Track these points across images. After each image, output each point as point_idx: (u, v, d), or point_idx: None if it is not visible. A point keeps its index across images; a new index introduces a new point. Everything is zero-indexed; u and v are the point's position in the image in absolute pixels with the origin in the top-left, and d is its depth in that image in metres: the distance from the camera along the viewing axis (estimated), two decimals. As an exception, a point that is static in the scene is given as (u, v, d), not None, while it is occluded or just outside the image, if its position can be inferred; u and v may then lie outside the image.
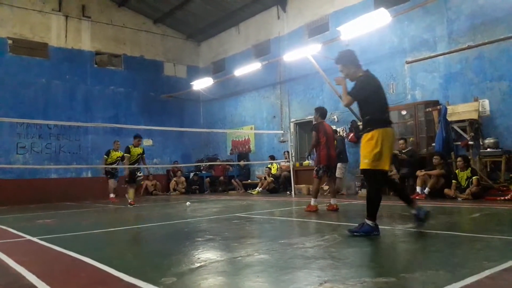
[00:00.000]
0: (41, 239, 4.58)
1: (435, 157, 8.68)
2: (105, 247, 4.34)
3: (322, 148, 6.67)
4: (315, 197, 6.70)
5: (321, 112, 6.98)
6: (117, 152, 11.21)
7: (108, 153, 11.20)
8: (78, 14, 14.59)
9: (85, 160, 14.08)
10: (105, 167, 11.15)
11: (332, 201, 6.74)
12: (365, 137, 4.01)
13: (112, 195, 11.06)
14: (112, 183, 11.16)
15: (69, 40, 14.32)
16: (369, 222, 3.93)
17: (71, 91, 14.20)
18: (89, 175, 14.29)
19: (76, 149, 14.08)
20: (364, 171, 4.05)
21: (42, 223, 6.73)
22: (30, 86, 13.35)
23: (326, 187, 11.28)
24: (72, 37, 14.38)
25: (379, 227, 4.02)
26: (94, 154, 14.23)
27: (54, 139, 13.67)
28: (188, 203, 8.70)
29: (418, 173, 8.73)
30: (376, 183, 4.04)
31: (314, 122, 7.17)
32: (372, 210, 3.95)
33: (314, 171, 6.77)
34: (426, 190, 8.44)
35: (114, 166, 11.06)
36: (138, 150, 9.97)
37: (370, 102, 4.05)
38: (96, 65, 14.93)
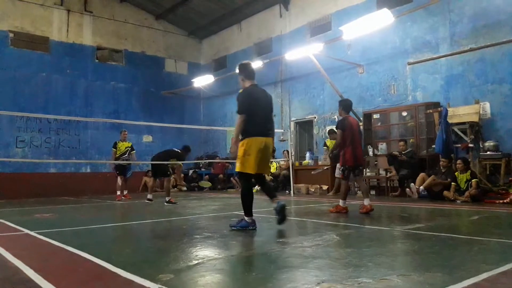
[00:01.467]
0: (39, 233, 4.57)
1: (443, 159, 8.61)
2: (103, 242, 4.33)
3: (347, 147, 6.08)
4: (344, 198, 6.18)
5: (344, 105, 6.31)
6: (125, 143, 10.47)
7: (115, 145, 10.40)
8: (80, 8, 14.57)
9: (84, 155, 14.06)
10: (114, 162, 10.30)
11: (366, 201, 6.02)
12: (240, 144, 4.46)
13: (119, 193, 10.24)
14: (120, 180, 10.31)
15: (71, 34, 14.29)
16: (246, 218, 4.49)
17: (72, 86, 14.18)
18: (88, 170, 14.29)
19: (76, 144, 14.07)
20: (236, 173, 4.66)
21: (41, 217, 6.73)
22: (30, 80, 13.33)
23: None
24: (73, 31, 14.36)
25: (378, 227, 4.02)
26: (93, 149, 14.24)
27: (53, 134, 13.65)
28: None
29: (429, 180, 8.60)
30: (245, 183, 4.60)
31: (338, 117, 6.61)
32: (246, 207, 4.51)
33: (340, 171, 6.25)
34: (421, 188, 8.43)
35: (125, 162, 10.29)
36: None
37: (249, 114, 4.39)
38: (97, 60, 14.91)
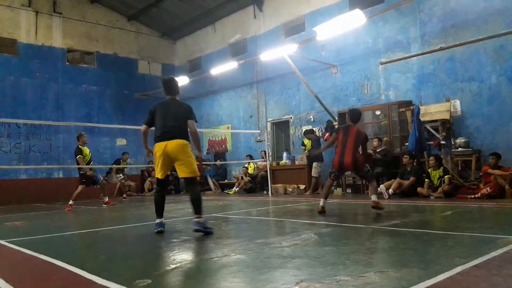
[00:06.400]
0: (9, 242, 4.42)
1: (404, 156, 8.84)
2: (77, 249, 4.23)
3: (336, 152, 6.26)
4: (324, 197, 6.14)
5: (351, 115, 6.39)
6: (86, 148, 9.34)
7: (80, 152, 9.15)
8: (49, 10, 14.19)
9: (57, 160, 13.70)
10: (86, 167, 9.13)
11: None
12: None
13: (71, 202, 8.89)
14: (81, 188, 9.10)
15: (40, 36, 13.91)
16: (157, 219, 4.78)
17: (42, 89, 13.79)
18: (61, 175, 13.93)
19: (47, 149, 13.70)
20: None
21: (11, 225, 6.51)
22: (-3, 84, 12.93)
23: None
24: (42, 33, 13.97)
25: (355, 225, 4.06)
26: (66, 154, 13.87)
27: (23, 139, 13.25)
28: None
29: (395, 184, 8.69)
30: (156, 186, 4.98)
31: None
32: (155, 209, 4.82)
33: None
34: (390, 191, 8.56)
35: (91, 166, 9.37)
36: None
37: (154, 123, 4.82)
38: (68, 63, 14.55)
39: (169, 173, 4.83)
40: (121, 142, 15.28)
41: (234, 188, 12.88)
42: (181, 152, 4.56)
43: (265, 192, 11.74)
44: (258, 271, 2.73)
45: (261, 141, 13.51)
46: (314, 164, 10.75)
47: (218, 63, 13.76)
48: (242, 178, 12.93)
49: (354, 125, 6.29)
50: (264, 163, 12.27)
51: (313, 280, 2.42)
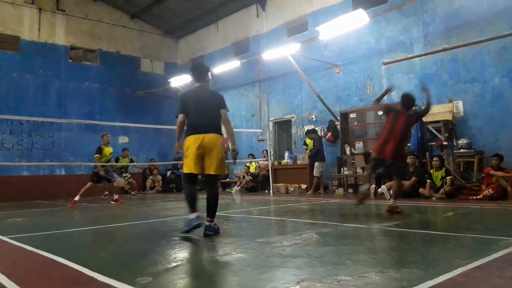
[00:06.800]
0: (11, 238, 4.42)
1: (409, 156, 8.83)
2: (79, 246, 4.23)
3: (379, 138, 5.97)
4: (367, 181, 6.18)
5: (403, 102, 6.05)
6: (110, 148, 9.46)
7: (100, 151, 9.21)
8: (52, 7, 14.21)
9: (59, 158, 13.73)
10: (103, 164, 9.15)
11: (392, 202, 5.91)
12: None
13: (78, 198, 8.89)
14: (90, 185, 9.18)
15: (43, 33, 13.93)
16: (189, 216, 4.24)
17: (44, 86, 13.83)
18: (63, 172, 13.97)
19: (49, 146, 13.72)
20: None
21: (13, 221, 6.52)
22: (0, 80, 12.93)
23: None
24: (45, 30, 14.00)
25: (356, 225, 4.06)
26: (68, 151, 13.92)
27: (26, 136, 13.28)
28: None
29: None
30: (184, 183, 4.50)
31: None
32: (188, 204, 4.30)
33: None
34: (391, 191, 8.51)
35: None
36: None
37: (186, 114, 4.42)
38: (70, 60, 14.58)
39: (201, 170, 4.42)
40: (123, 140, 15.30)
41: (236, 187, 12.88)
42: (215, 147, 4.30)
43: (266, 191, 11.75)
44: (259, 270, 2.73)
45: (263, 140, 13.51)
46: (316, 163, 10.75)
47: (221, 62, 13.75)
48: (243, 177, 12.93)
49: (405, 111, 5.99)
50: (265, 162, 12.28)
51: (314, 280, 2.42)
